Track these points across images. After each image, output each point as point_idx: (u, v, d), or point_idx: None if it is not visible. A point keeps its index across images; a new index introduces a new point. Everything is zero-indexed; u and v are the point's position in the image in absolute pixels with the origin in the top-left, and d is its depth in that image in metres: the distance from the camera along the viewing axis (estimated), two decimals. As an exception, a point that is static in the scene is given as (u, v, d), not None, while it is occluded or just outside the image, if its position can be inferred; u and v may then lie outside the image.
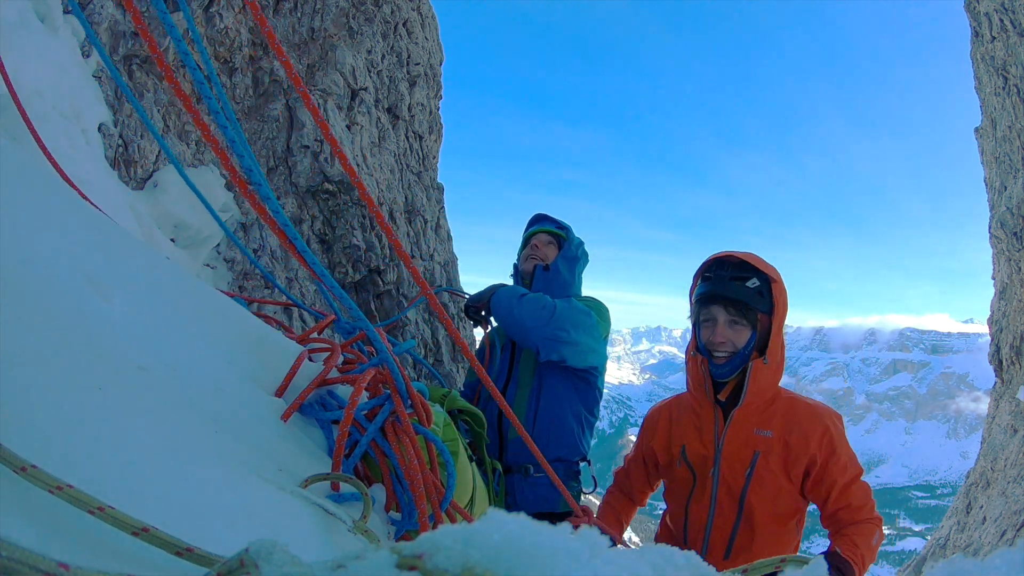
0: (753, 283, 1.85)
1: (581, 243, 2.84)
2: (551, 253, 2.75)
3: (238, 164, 1.04)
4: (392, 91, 3.83)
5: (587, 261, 2.84)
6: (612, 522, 2.29)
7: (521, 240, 2.96)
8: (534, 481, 2.44)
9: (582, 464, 2.62)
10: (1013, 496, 7.73)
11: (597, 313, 2.56)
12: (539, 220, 2.93)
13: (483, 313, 2.75)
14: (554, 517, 2.43)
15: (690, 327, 2.05)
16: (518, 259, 2.89)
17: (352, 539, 0.90)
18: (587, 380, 2.59)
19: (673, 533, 2.15)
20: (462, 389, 3.09)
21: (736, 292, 1.83)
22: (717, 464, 1.95)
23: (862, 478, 1.94)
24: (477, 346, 3.13)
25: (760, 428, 1.92)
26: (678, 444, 2.07)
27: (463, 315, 2.97)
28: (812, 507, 2.07)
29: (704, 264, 1.96)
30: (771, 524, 1.94)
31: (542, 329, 2.40)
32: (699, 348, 1.97)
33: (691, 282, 2.03)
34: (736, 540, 1.94)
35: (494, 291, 2.63)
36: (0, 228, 0.84)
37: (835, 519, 1.91)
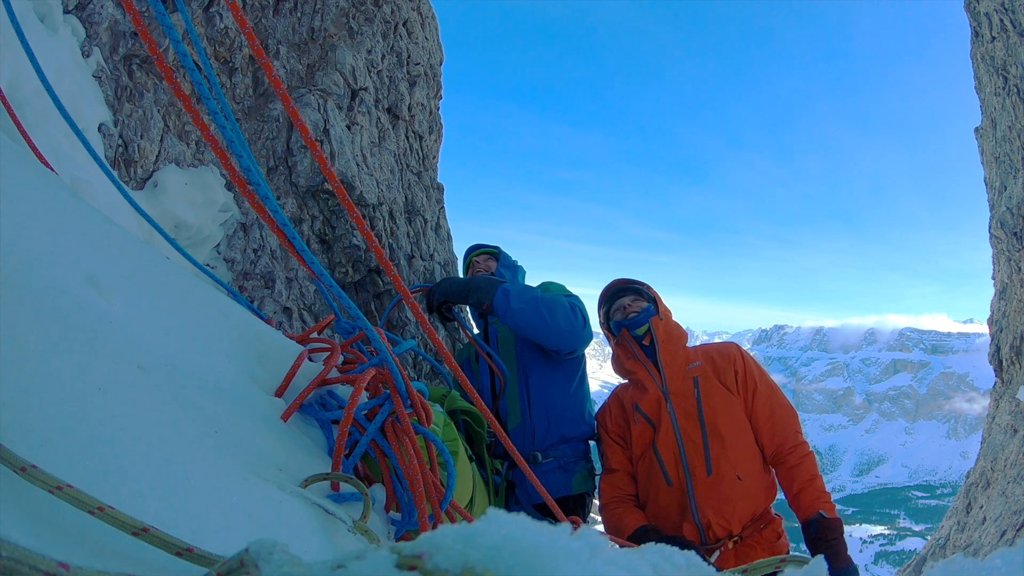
0: (638, 285, 2.74)
1: (514, 259, 3.26)
2: (492, 266, 3.14)
3: (237, 164, 1.04)
4: (392, 91, 3.83)
5: (524, 272, 3.26)
6: (638, 516, 2.46)
7: (462, 269, 3.32)
8: (544, 469, 2.45)
9: (590, 442, 2.64)
10: (1013, 496, 7.73)
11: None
12: (474, 248, 3.37)
13: (453, 310, 2.86)
14: (569, 500, 2.44)
15: (609, 341, 2.74)
16: None
17: (352, 539, 0.90)
18: (567, 359, 2.69)
19: (658, 482, 2.40)
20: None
21: (629, 286, 2.73)
22: (669, 401, 2.41)
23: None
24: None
25: (689, 363, 2.51)
26: (629, 405, 2.53)
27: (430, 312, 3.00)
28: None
29: (603, 291, 2.80)
30: (736, 434, 2.34)
31: (571, 326, 2.56)
32: (617, 329, 2.62)
33: (598, 315, 2.80)
34: (711, 453, 2.30)
35: (493, 289, 2.62)
36: (0, 228, 0.84)
37: (772, 443, 2.37)
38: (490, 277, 2.77)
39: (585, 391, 2.76)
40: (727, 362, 2.49)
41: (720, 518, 2.21)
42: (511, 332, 2.72)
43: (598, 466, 2.67)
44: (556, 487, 2.43)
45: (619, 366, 2.63)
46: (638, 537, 2.28)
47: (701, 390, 2.41)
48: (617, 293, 2.72)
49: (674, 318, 2.72)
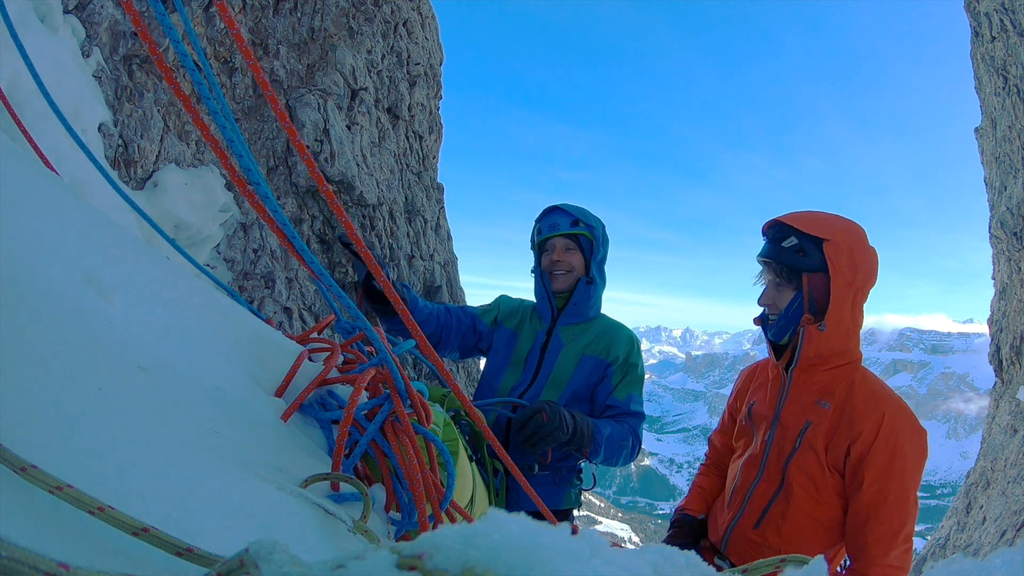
0: (790, 242, 1.78)
1: (604, 229, 2.50)
2: (576, 259, 2.41)
3: (237, 164, 1.04)
4: (392, 91, 3.83)
5: (607, 242, 2.54)
6: (697, 507, 2.20)
7: (535, 235, 2.54)
8: (537, 480, 2.43)
9: (584, 463, 2.61)
10: (1013, 496, 7.73)
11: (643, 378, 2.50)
12: (552, 219, 2.44)
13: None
14: (556, 515, 2.42)
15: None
16: (537, 265, 2.56)
17: (352, 539, 0.90)
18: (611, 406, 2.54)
19: (724, 492, 2.12)
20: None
21: (773, 254, 1.81)
22: (773, 427, 1.91)
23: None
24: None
25: (822, 399, 1.83)
26: (750, 400, 2.06)
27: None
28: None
29: (766, 228, 1.91)
30: (809, 506, 1.80)
31: (625, 462, 2.38)
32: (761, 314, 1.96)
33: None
34: (771, 510, 1.86)
35: (590, 443, 2.18)
36: (0, 228, 0.84)
37: (850, 548, 1.79)
38: (590, 434, 2.16)
39: None
40: (852, 432, 1.74)
41: (740, 563, 1.93)
42: (572, 364, 2.41)
43: (587, 484, 2.66)
44: (546, 500, 2.41)
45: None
46: (675, 523, 2.13)
47: (804, 440, 1.81)
48: (761, 260, 1.86)
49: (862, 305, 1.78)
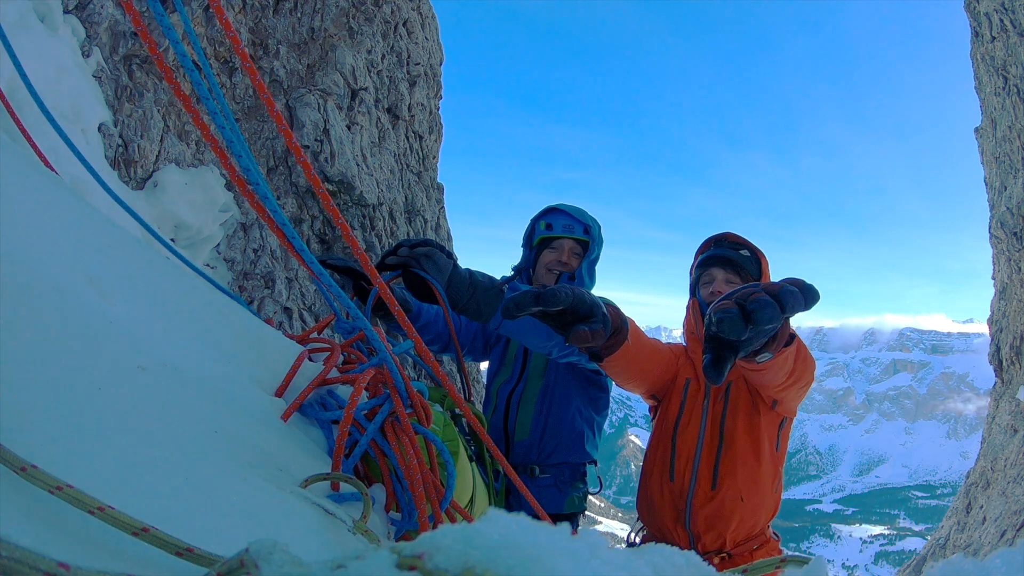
0: (745, 252, 2.30)
1: (600, 231, 2.58)
2: (576, 263, 2.52)
3: (237, 164, 1.04)
4: (392, 91, 3.83)
5: (602, 244, 2.62)
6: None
7: (534, 236, 2.58)
8: (539, 483, 2.42)
9: (588, 466, 2.59)
10: (1013, 496, 7.74)
11: None
12: (566, 221, 2.50)
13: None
14: (558, 519, 2.41)
15: (689, 297, 2.38)
16: (528, 262, 2.58)
17: (352, 539, 0.90)
18: (597, 383, 2.56)
19: (662, 470, 2.24)
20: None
21: (733, 255, 2.27)
22: (707, 397, 2.26)
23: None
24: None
25: None
26: (683, 377, 2.32)
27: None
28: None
29: (706, 240, 2.38)
30: (749, 447, 2.16)
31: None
32: (699, 302, 2.33)
33: (693, 259, 2.40)
34: (720, 469, 2.14)
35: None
36: (0, 228, 0.84)
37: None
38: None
39: (600, 424, 2.63)
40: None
41: (713, 533, 2.12)
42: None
43: (593, 487, 2.62)
44: (548, 504, 2.38)
45: (687, 329, 2.35)
46: None
47: (731, 398, 2.23)
48: (714, 260, 2.28)
49: None
